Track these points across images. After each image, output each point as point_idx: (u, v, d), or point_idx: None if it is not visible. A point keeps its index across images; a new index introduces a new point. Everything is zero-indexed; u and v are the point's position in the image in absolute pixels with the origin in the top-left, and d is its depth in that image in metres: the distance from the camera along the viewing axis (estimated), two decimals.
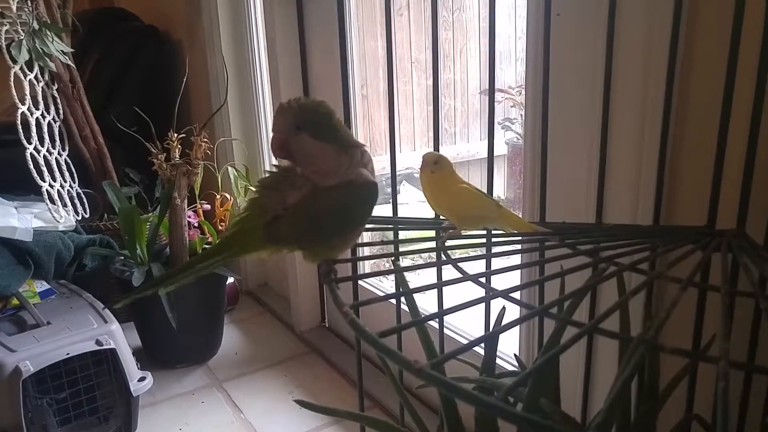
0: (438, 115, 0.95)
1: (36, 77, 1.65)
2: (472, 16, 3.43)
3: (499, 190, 3.45)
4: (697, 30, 0.79)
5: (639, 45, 0.85)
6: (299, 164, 0.60)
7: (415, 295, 0.81)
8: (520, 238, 0.76)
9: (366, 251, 1.76)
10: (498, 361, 1.22)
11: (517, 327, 1.16)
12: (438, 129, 0.96)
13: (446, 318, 1.24)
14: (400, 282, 0.81)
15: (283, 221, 0.59)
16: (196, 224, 1.90)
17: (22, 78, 1.59)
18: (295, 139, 0.58)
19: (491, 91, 0.90)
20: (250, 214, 0.63)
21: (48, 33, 1.58)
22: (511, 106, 3.20)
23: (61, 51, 1.65)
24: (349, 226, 0.62)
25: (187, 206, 1.71)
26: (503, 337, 1.03)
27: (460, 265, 0.61)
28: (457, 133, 3.50)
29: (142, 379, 1.39)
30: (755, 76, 0.69)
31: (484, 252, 0.86)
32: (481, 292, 0.55)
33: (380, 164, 1.96)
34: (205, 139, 1.63)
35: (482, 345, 0.90)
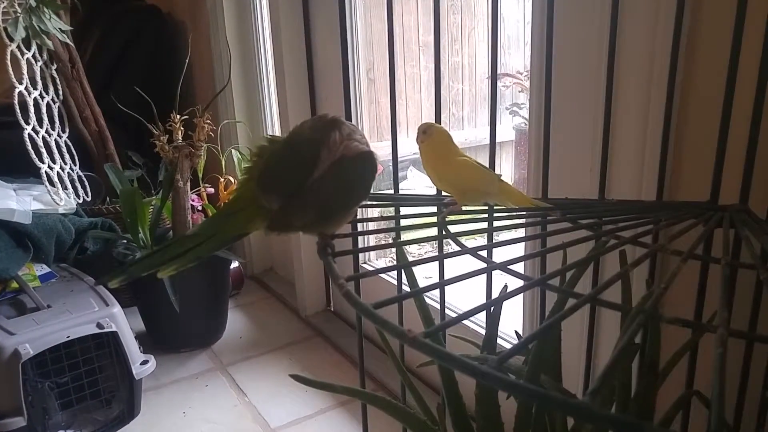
0: (439, 100, 0.93)
1: (34, 56, 1.64)
2: (479, 0, 3.40)
3: (507, 176, 3.43)
4: (703, 4, 0.78)
5: (643, 22, 0.84)
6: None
7: (419, 278, 0.80)
8: (521, 213, 0.75)
9: (368, 228, 1.75)
10: (502, 343, 1.21)
11: (520, 306, 1.15)
12: (439, 113, 0.95)
13: (448, 300, 1.23)
14: (400, 256, 0.80)
15: (281, 212, 0.57)
16: (199, 207, 1.90)
17: (20, 57, 1.57)
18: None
19: (493, 75, 0.89)
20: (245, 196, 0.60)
21: (45, 10, 1.56)
22: (519, 91, 3.17)
23: (59, 29, 1.63)
24: (350, 200, 0.60)
25: (191, 189, 1.70)
26: (506, 318, 1.02)
27: (462, 240, 0.59)
28: (465, 117, 3.47)
29: (144, 362, 1.39)
30: (760, 52, 0.68)
31: (486, 226, 0.84)
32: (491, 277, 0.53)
33: (387, 149, 1.94)
34: (208, 121, 1.62)
35: (484, 325, 0.89)
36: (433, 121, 0.77)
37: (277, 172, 0.58)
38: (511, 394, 0.35)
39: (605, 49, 0.85)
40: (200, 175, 1.92)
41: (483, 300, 0.98)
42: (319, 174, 0.56)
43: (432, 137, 0.71)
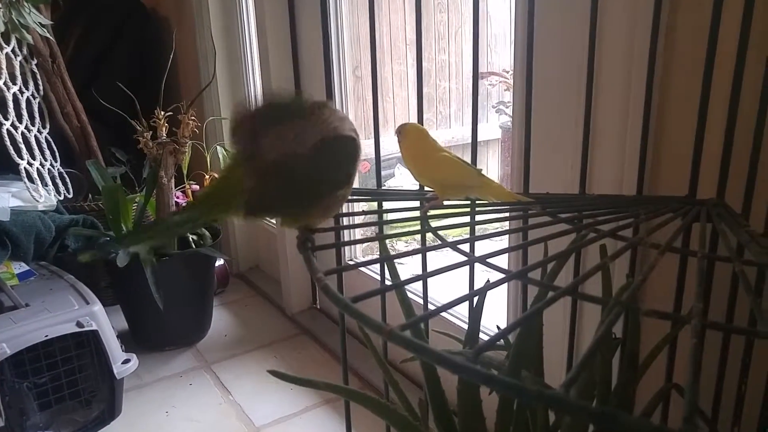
0: (421, 97, 0.93)
1: (13, 51, 1.61)
2: None
3: (493, 174, 3.44)
4: (680, 1, 0.78)
5: (622, 20, 0.84)
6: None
7: (406, 276, 0.79)
8: (503, 207, 0.75)
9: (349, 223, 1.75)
10: (486, 338, 1.21)
11: (504, 303, 1.15)
12: (422, 111, 0.95)
13: (434, 297, 1.23)
14: (382, 250, 0.79)
15: (257, 191, 0.54)
16: (184, 204, 1.88)
17: None
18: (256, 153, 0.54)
19: (475, 73, 0.89)
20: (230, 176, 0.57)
21: (25, 4, 1.54)
22: (505, 90, 3.17)
23: (39, 23, 1.61)
24: (329, 186, 0.57)
25: (176, 186, 1.68)
26: (491, 314, 1.02)
27: (446, 234, 0.59)
28: (451, 115, 3.48)
29: (126, 361, 1.36)
30: (736, 49, 0.69)
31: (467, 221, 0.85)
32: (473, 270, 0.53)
33: (372, 146, 1.94)
34: (193, 117, 1.61)
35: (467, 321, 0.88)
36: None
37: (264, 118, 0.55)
38: (487, 386, 0.35)
39: (585, 47, 0.85)
40: (185, 172, 1.90)
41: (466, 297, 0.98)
42: (303, 149, 0.54)
43: (407, 136, 0.72)
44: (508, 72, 3.07)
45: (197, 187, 1.97)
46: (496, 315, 1.21)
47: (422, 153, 0.72)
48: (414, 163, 0.73)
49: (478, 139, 0.94)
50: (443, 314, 1.34)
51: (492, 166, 3.45)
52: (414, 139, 0.72)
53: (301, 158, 0.53)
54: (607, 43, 0.87)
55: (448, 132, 3.43)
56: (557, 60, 0.96)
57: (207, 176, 1.96)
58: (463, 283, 0.94)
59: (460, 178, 0.71)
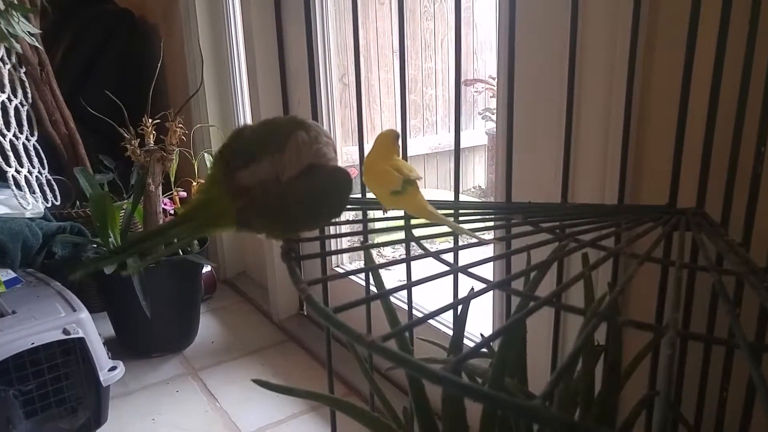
0: (405, 105, 0.94)
1: (2, 59, 1.62)
2: (453, 6, 3.42)
3: (480, 180, 3.46)
4: (659, 11, 0.80)
5: (604, 30, 0.86)
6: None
7: (393, 285, 0.80)
8: (487, 216, 0.76)
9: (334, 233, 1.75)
10: (471, 346, 1.22)
11: (490, 313, 1.16)
12: (406, 119, 0.96)
13: (417, 303, 1.23)
14: (367, 259, 0.80)
15: (252, 210, 0.55)
16: (172, 212, 1.88)
17: None
18: (235, 181, 0.54)
19: (458, 81, 0.90)
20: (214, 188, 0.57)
21: (14, 13, 1.54)
22: (491, 97, 3.19)
23: (28, 32, 1.61)
24: (322, 216, 0.59)
25: (163, 193, 1.69)
26: (476, 323, 1.03)
27: (432, 244, 0.60)
28: (438, 122, 3.49)
29: (112, 368, 1.36)
30: (713, 60, 0.70)
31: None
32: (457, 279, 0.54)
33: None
34: (180, 125, 1.61)
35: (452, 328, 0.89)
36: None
37: (245, 149, 0.56)
38: (466, 397, 0.36)
39: (566, 56, 0.87)
40: (172, 179, 1.90)
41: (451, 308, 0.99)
42: (287, 177, 0.54)
43: (374, 143, 0.68)
44: (493, 79, 3.09)
45: (184, 194, 1.97)
46: (482, 321, 1.22)
47: (371, 160, 0.68)
48: (365, 168, 0.69)
49: (465, 146, 0.95)
50: (428, 321, 1.35)
51: (478, 173, 3.47)
52: (376, 146, 0.68)
53: (293, 186, 0.54)
54: (588, 53, 0.88)
55: (435, 138, 3.44)
56: (539, 68, 0.97)
57: (194, 183, 1.96)
58: (447, 290, 0.95)
59: (387, 186, 0.65)
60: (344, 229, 1.65)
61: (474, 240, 0.61)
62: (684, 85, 0.72)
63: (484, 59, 3.40)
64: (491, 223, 0.73)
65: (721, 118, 0.71)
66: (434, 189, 3.38)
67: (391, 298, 0.85)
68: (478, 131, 3.26)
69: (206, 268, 2.00)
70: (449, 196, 0.96)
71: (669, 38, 0.79)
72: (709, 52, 0.70)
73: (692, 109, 0.73)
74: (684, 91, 0.73)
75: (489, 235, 0.94)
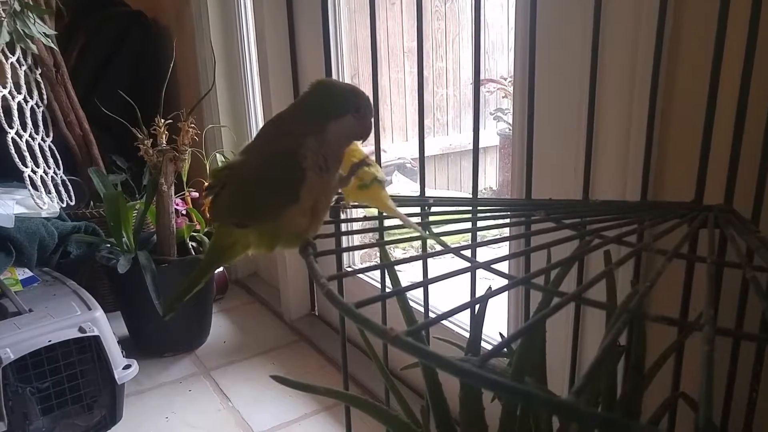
0: (422, 108, 0.93)
1: (18, 60, 1.63)
2: (464, 6, 3.41)
3: (491, 181, 3.44)
4: (686, 5, 0.78)
5: (626, 24, 0.84)
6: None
7: (406, 284, 0.79)
8: (505, 212, 0.75)
9: (348, 230, 1.75)
10: (488, 347, 1.21)
11: (505, 310, 1.15)
12: (422, 122, 0.95)
13: (435, 305, 1.23)
14: (383, 256, 0.79)
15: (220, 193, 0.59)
16: (184, 212, 1.88)
17: (4, 61, 1.56)
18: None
19: (476, 81, 0.89)
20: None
21: (30, 14, 1.55)
22: (503, 97, 3.18)
23: (44, 33, 1.62)
24: (276, 198, 0.57)
25: (175, 193, 1.69)
26: (492, 322, 1.02)
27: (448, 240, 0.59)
28: (449, 122, 3.48)
29: (127, 367, 1.37)
30: (743, 51, 0.68)
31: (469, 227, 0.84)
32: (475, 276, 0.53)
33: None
34: (193, 125, 1.61)
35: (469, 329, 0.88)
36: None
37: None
38: (494, 393, 0.35)
39: (588, 52, 0.85)
40: (184, 179, 1.90)
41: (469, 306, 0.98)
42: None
43: None
44: (506, 79, 3.08)
45: (196, 194, 1.97)
46: (495, 322, 1.21)
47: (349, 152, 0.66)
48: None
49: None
50: (442, 321, 1.34)
51: (490, 174, 3.45)
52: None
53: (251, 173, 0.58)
54: (610, 48, 0.86)
55: (446, 139, 3.43)
56: (559, 64, 0.96)
57: (206, 183, 1.96)
58: (462, 289, 0.94)
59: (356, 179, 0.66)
60: (359, 226, 1.64)
61: (440, 247, 0.61)
62: (713, 74, 0.70)
63: (495, 59, 3.39)
64: (512, 220, 0.72)
65: (752, 110, 0.69)
66: (445, 190, 3.37)
67: (407, 296, 0.84)
68: (490, 132, 3.25)
69: (218, 268, 2.00)
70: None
71: (697, 27, 0.77)
72: (736, 48, 0.68)
73: (721, 100, 0.71)
74: (713, 81, 0.70)
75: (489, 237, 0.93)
